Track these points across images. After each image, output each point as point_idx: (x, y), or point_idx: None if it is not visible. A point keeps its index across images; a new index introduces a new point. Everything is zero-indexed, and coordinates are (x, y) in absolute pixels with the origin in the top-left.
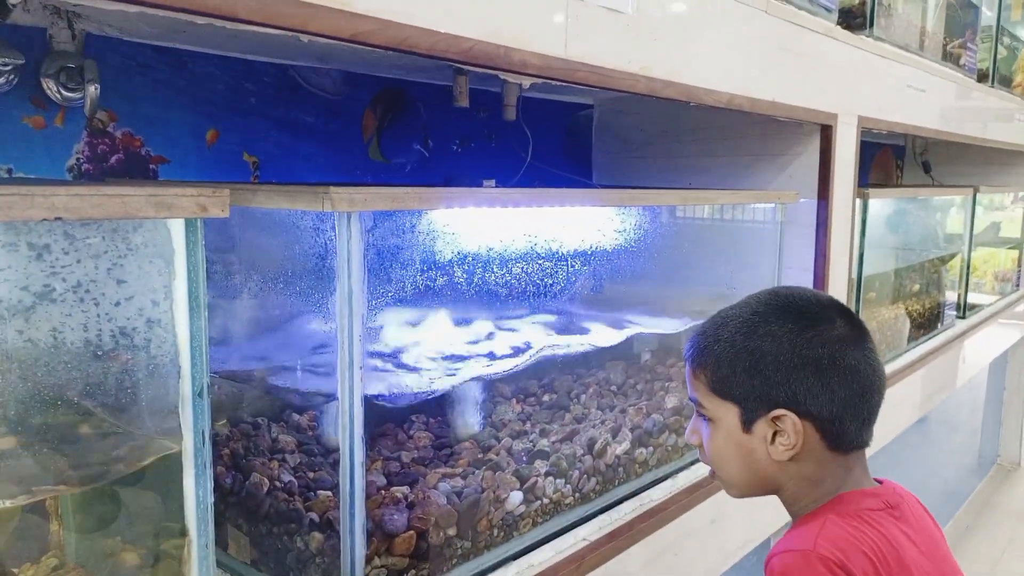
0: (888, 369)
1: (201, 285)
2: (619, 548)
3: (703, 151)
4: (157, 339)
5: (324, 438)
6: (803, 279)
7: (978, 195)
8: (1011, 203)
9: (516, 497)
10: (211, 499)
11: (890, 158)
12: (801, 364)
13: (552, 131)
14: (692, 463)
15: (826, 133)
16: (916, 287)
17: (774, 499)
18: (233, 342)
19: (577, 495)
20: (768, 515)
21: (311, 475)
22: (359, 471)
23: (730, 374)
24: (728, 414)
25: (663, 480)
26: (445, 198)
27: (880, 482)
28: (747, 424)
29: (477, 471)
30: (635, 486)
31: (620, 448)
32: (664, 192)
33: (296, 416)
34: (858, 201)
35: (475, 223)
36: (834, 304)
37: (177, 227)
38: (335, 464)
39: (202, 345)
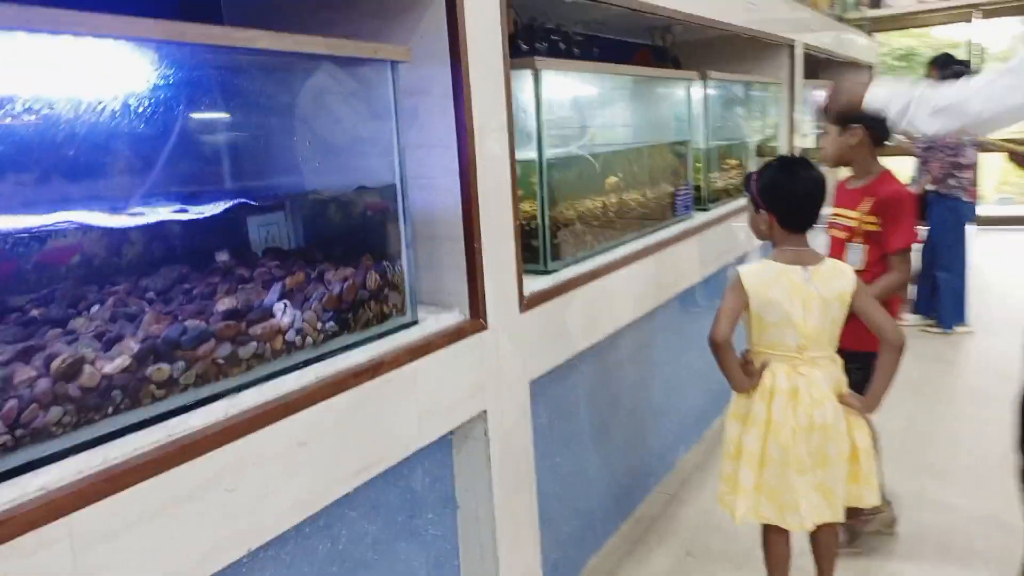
0: (605, 259)
1: None
2: (108, 492)
3: (326, 21)
4: None
5: None
6: (446, 158)
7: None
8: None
9: None
10: None
11: (648, 58)
12: None
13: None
14: (262, 380)
15: None
16: (643, 175)
17: None
18: None
19: (24, 433)
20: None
21: None
22: None
23: None
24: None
25: (209, 402)
26: None
27: None
28: None
29: None
30: (150, 413)
31: (111, 365)
32: (245, 32)
33: None
34: (530, 73)
35: None
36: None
37: None
38: None
39: None
